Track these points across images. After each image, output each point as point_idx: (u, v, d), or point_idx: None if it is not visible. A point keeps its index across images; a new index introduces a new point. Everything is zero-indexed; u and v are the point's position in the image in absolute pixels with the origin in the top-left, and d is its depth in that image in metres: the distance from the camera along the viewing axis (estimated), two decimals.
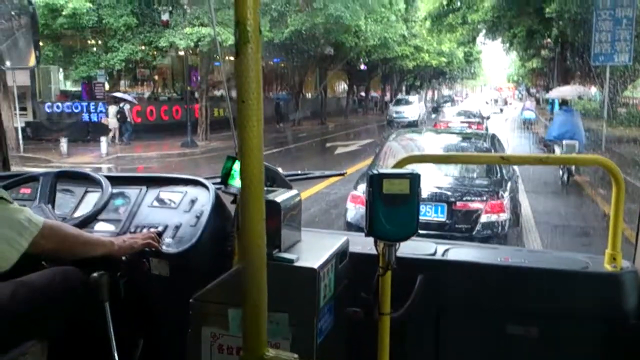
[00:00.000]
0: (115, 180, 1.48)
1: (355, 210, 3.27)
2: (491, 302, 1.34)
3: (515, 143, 12.85)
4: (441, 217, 3.35)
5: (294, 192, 1.24)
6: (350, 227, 3.20)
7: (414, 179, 1.12)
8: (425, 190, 3.22)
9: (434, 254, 1.43)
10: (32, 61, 1.32)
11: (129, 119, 12.81)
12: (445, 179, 3.64)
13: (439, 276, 1.35)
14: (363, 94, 28.06)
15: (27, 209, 1.09)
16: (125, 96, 13.81)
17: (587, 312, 1.31)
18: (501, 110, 29.01)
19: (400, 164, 1.31)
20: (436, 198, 3.28)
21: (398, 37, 18.60)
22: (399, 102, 21.90)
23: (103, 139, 11.05)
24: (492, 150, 4.21)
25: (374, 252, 1.21)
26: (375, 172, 1.14)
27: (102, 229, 1.37)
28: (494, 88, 50.12)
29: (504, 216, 3.20)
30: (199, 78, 14.29)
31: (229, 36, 10.64)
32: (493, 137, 4.69)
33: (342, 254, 1.25)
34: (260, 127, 0.66)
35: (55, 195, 1.45)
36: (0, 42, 1.30)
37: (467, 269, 1.39)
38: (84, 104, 13.82)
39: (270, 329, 1.10)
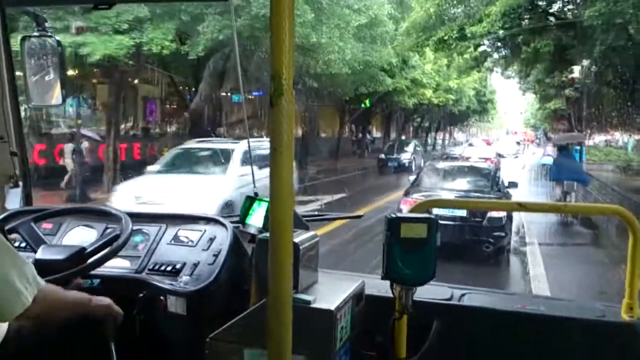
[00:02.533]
0: (135, 217, 1.70)
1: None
2: (506, 349, 1.55)
3: (534, 191, 13.96)
4: (462, 213, 6.58)
5: (311, 233, 1.46)
6: None
7: (432, 223, 1.35)
8: (453, 195, 6.97)
9: (450, 298, 1.67)
10: (57, 99, 1.64)
11: (86, 159, 12.25)
12: (463, 191, 7.39)
13: (455, 322, 1.58)
14: (363, 135, 28.46)
15: (31, 264, 1.23)
16: (87, 132, 13.42)
17: None
18: (516, 156, 30.53)
19: (418, 208, 1.56)
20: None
21: (385, 64, 17.67)
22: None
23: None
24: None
25: (390, 295, 1.43)
26: (393, 216, 1.37)
27: (122, 265, 1.61)
28: (509, 132, 52.69)
29: (502, 214, 6.63)
30: (154, 110, 14.70)
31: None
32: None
33: (358, 296, 1.44)
34: (291, 174, 0.82)
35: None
36: (30, 80, 1.59)
37: (483, 315, 1.62)
38: None
39: None
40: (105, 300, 1.37)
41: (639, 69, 11.73)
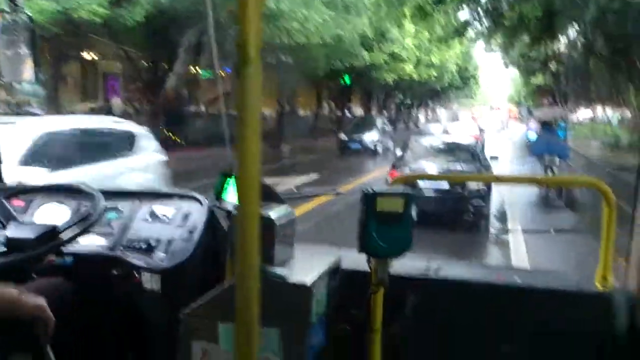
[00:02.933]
0: (108, 194, 1.72)
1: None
2: (482, 321, 1.64)
3: (516, 170, 14.52)
4: (446, 186, 7.19)
5: (288, 208, 1.51)
6: None
7: (408, 197, 1.42)
8: (437, 170, 7.56)
9: (427, 271, 1.75)
10: (30, 75, 1.63)
11: None
12: (447, 165, 7.91)
13: (431, 294, 1.66)
14: (341, 112, 28.25)
15: None
16: (35, 110, 13.61)
17: (577, 331, 1.60)
18: (500, 132, 31.37)
19: (396, 182, 1.64)
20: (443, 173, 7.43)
21: (360, 36, 17.16)
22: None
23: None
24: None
25: (367, 269, 1.50)
26: (369, 190, 1.43)
27: (95, 242, 1.64)
28: (493, 109, 53.66)
29: (482, 185, 7.32)
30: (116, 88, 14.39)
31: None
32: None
33: (334, 271, 1.52)
34: (257, 145, 0.83)
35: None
36: (2, 55, 1.59)
37: (459, 287, 1.71)
38: None
39: (261, 344, 1.38)
40: (38, 301, 1.29)
41: (632, 36, 11.49)
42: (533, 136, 18.15)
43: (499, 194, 8.99)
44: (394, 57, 21.48)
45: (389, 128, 21.66)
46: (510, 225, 7.87)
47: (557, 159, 10.59)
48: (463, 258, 5.69)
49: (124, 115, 15.34)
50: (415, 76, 24.58)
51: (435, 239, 5.62)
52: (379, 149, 18.73)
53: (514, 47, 18.59)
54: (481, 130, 20.42)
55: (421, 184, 7.10)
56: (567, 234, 7.32)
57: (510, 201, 9.24)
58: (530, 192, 9.55)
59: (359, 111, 31.30)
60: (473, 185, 7.33)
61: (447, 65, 27.39)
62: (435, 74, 26.43)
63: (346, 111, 28.30)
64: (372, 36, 18.62)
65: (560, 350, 1.63)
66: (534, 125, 20.04)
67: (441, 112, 50.50)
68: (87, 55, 14.13)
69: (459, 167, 8.07)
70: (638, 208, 1.60)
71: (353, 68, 19.86)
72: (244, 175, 0.83)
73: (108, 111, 15.44)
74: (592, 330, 1.62)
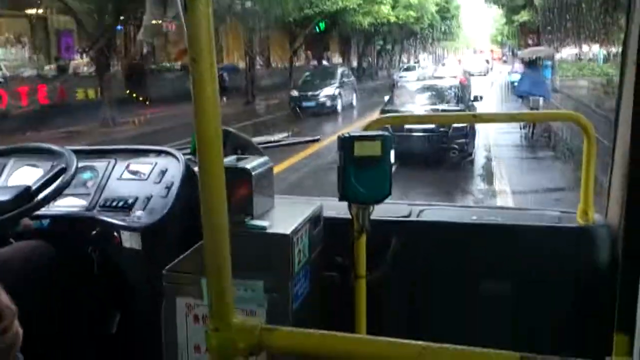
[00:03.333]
0: (81, 154, 1.75)
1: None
2: (465, 261, 1.72)
3: (503, 108, 14.97)
4: (432, 126, 8.05)
5: (264, 158, 1.56)
6: None
7: (386, 140, 1.44)
8: (423, 110, 8.66)
9: (409, 215, 1.82)
10: None
11: None
12: (432, 107, 8.95)
13: (413, 237, 1.73)
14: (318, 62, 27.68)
15: None
16: None
17: (560, 267, 1.68)
18: (485, 74, 31.59)
19: (371, 125, 1.66)
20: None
21: None
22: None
23: None
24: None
25: (349, 216, 1.54)
26: (346, 135, 1.46)
27: (71, 203, 1.67)
28: (475, 51, 53.80)
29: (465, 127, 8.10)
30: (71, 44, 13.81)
31: None
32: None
33: (316, 219, 1.58)
34: (215, 86, 0.79)
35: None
36: None
37: (440, 229, 1.77)
38: None
39: (245, 296, 1.42)
40: (10, 305, 1.12)
41: None
42: (516, 77, 18.42)
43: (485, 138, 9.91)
44: None
45: (350, 79, 19.19)
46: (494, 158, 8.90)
47: (540, 101, 10.94)
48: (448, 189, 7.08)
49: (83, 76, 14.91)
50: (393, 19, 24.38)
51: (423, 173, 7.55)
52: (338, 106, 16.73)
53: None
54: (466, 73, 21.22)
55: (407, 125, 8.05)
56: (541, 161, 8.69)
57: (496, 142, 10.22)
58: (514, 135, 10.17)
59: (337, 60, 30.81)
60: (457, 124, 8.24)
61: (426, 5, 27.07)
62: (414, 14, 26.00)
63: (324, 61, 27.80)
64: None
65: (543, 287, 1.71)
66: (518, 66, 20.23)
67: (424, 56, 50.20)
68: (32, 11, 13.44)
69: (444, 108, 9.09)
70: (617, 141, 1.66)
71: (325, 13, 19.42)
72: (202, 119, 0.80)
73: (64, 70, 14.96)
74: (574, 265, 1.70)
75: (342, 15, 21.23)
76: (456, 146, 8.41)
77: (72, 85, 14.84)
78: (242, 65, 21.19)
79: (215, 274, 0.85)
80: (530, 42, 24.09)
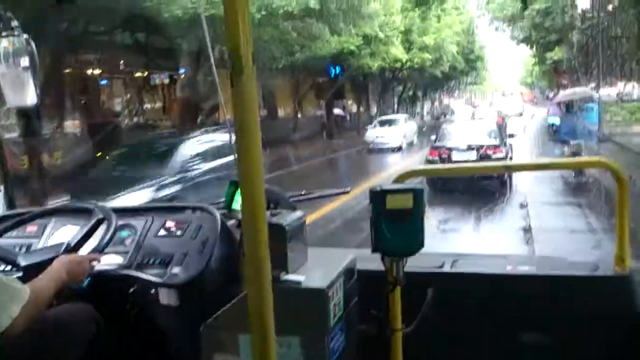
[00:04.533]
0: (121, 212, 1.99)
1: (433, 159, 11.53)
2: (502, 312, 1.89)
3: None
4: (473, 157, 11.24)
5: (298, 213, 1.75)
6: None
7: (418, 193, 1.62)
8: (467, 144, 11.72)
9: (442, 266, 2.00)
10: (32, 98, 1.89)
11: None
12: (475, 142, 11.76)
13: (448, 289, 1.90)
14: (336, 110, 27.33)
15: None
16: None
17: (599, 315, 1.84)
18: (521, 114, 32.42)
19: (402, 178, 1.87)
20: (471, 147, 11.37)
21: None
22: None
23: None
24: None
25: (382, 268, 1.73)
26: (377, 188, 1.64)
27: (110, 261, 1.90)
28: (504, 94, 54.75)
29: (503, 154, 11.26)
30: None
31: None
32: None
33: (350, 272, 1.75)
34: (259, 152, 0.94)
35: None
36: (4, 81, 1.85)
37: (476, 280, 1.96)
38: None
39: (281, 352, 1.59)
40: (62, 259, 1.68)
41: None
42: (555, 120, 18.73)
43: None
44: (368, 39, 19.85)
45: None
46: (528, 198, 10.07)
47: (582, 145, 11.62)
48: (487, 212, 9.01)
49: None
50: (405, 61, 24.16)
51: (466, 198, 9.63)
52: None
53: (524, 17, 18.74)
54: (501, 113, 24.71)
55: (454, 156, 11.49)
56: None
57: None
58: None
59: (353, 108, 30.66)
60: (499, 154, 11.37)
61: (444, 46, 26.37)
62: (430, 57, 25.55)
63: (337, 109, 27.47)
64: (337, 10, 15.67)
65: (581, 335, 1.87)
66: (555, 109, 20.61)
67: (450, 102, 51.20)
68: None
69: (484, 142, 11.91)
70: None
71: (318, 57, 18.41)
72: (248, 184, 0.94)
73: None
74: (612, 313, 1.86)
75: (346, 58, 20.81)
76: (495, 176, 10.36)
77: None
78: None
79: (259, 330, 0.96)
80: (564, 82, 24.27)
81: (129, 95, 19.14)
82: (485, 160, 10.94)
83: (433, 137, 13.47)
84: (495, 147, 11.68)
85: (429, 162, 11.93)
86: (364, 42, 19.77)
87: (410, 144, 20.90)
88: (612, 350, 1.88)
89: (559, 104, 17.61)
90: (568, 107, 14.75)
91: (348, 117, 29.79)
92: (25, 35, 1.86)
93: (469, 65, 34.81)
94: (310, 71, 22.27)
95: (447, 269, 2.03)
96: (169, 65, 16.79)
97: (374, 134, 20.81)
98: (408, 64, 25.05)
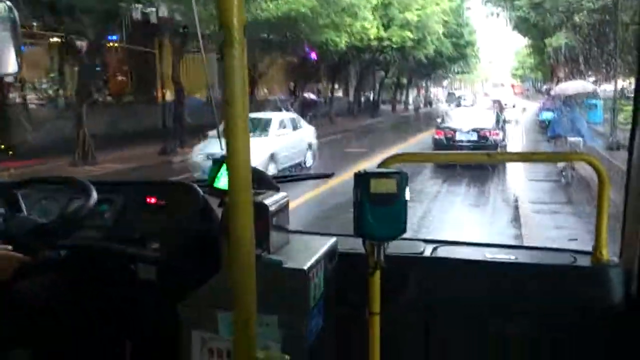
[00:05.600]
0: (100, 186, 2.10)
1: (439, 138, 16.09)
2: (479, 299, 2.09)
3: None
4: (474, 138, 15.66)
5: (282, 194, 1.92)
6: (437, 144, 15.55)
7: (401, 178, 1.77)
8: (469, 127, 16.14)
9: (423, 252, 2.20)
10: (14, 67, 2.00)
11: None
12: (475, 124, 16.09)
13: (428, 274, 2.10)
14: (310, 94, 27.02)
15: None
16: None
17: (574, 307, 2.04)
18: (514, 106, 34.41)
19: (386, 162, 2.03)
20: (473, 129, 15.69)
21: None
22: None
23: None
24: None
25: (364, 251, 1.88)
26: (361, 172, 1.79)
27: (86, 235, 2.04)
28: (494, 85, 56.00)
29: (499, 137, 15.76)
30: None
31: None
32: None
33: (331, 255, 1.93)
34: (246, 128, 1.00)
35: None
36: None
37: (455, 267, 2.16)
38: None
39: (260, 331, 1.73)
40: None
41: None
42: (548, 116, 19.10)
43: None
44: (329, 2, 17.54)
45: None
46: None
47: (580, 143, 11.87)
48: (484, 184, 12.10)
49: None
50: (382, 39, 23.16)
51: (466, 171, 12.51)
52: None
53: None
54: (497, 102, 28.78)
55: (458, 136, 15.49)
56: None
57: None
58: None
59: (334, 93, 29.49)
60: (496, 137, 15.36)
61: (429, 24, 25.15)
62: (412, 36, 24.51)
63: (310, 94, 26.67)
64: None
65: (556, 326, 2.09)
66: (549, 102, 20.96)
67: (437, 91, 51.87)
68: None
69: (483, 124, 15.70)
70: (631, 181, 2.07)
71: (261, 21, 15.93)
72: (234, 160, 1.01)
73: None
74: (588, 305, 2.08)
75: (296, 27, 18.18)
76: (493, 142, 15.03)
77: None
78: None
79: (241, 310, 1.05)
80: (560, 74, 24.27)
81: None
82: (484, 140, 15.21)
83: (439, 120, 18.12)
84: (494, 130, 15.61)
85: (435, 140, 15.98)
86: (320, 6, 17.31)
87: (298, 167, 14.10)
88: (588, 341, 2.07)
89: (554, 97, 17.88)
90: (565, 102, 15.01)
91: (323, 102, 29.03)
92: (7, 2, 1.97)
93: (457, 51, 33.99)
94: (272, 47, 20.73)
95: (427, 254, 2.23)
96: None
97: (207, 150, 11.14)
98: (386, 42, 23.91)
